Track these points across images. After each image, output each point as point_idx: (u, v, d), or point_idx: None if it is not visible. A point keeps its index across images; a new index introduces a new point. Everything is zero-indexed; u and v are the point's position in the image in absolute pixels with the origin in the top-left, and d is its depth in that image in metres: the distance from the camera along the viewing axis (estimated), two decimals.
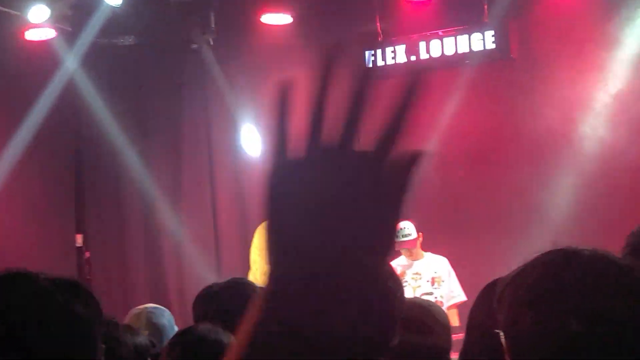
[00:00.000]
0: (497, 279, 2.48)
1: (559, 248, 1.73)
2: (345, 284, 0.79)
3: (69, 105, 9.46)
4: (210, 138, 9.86)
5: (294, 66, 9.42)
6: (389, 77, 8.10)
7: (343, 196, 0.79)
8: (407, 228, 7.63)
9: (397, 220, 0.83)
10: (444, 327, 2.98)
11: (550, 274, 1.66)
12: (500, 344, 1.71)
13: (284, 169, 0.81)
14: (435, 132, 8.60)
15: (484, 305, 2.42)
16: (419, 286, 7.63)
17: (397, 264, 7.70)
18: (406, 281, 7.60)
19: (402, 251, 7.70)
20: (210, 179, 9.82)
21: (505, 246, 7.62)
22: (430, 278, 7.65)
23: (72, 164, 9.91)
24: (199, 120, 9.90)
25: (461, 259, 7.76)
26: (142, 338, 3.40)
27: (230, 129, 9.66)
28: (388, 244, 0.83)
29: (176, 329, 4.11)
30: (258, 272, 5.71)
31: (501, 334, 1.71)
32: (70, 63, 9.19)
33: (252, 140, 9.30)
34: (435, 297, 7.52)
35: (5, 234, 8.79)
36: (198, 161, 9.89)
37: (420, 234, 7.68)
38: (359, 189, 0.80)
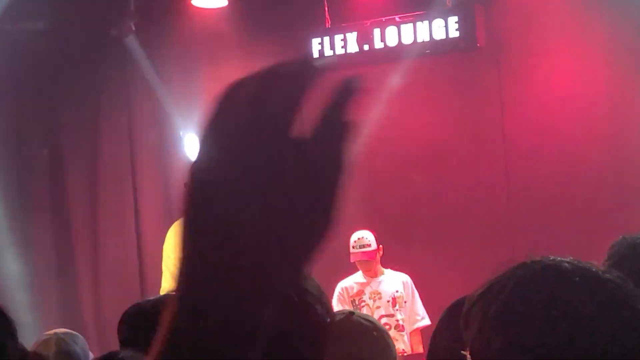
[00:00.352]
0: (463, 297, 2.48)
1: (534, 260, 1.69)
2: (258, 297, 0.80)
3: None
4: (132, 139, 9.81)
5: (229, 55, 9.43)
6: (339, 69, 8.19)
7: (268, 187, 0.80)
8: (367, 238, 7.57)
9: (328, 217, 0.83)
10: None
11: (525, 290, 1.64)
12: None
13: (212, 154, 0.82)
14: (390, 131, 8.65)
15: (449, 326, 2.42)
16: (378, 307, 7.57)
17: (354, 281, 7.65)
18: (364, 301, 7.57)
19: (360, 265, 7.62)
20: (132, 186, 9.78)
21: (472, 258, 7.68)
22: (391, 298, 7.59)
23: None
24: (120, 117, 9.84)
25: (422, 276, 7.76)
26: None
27: (157, 127, 9.62)
28: (312, 244, 0.82)
29: (92, 356, 4.07)
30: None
31: (468, 356, 1.71)
32: None
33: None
34: (397, 320, 7.51)
35: None
36: (119, 165, 9.84)
37: (381, 246, 7.64)
38: (287, 180, 0.80)
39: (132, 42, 9.44)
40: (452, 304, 2.61)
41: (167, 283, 5.82)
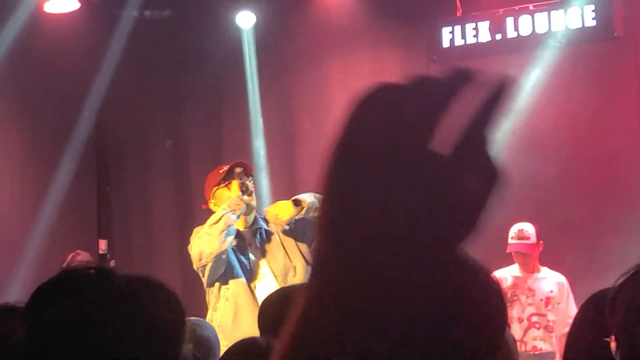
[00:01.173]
0: (603, 289, 2.52)
1: None
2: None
3: (92, 89, 9.62)
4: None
5: (358, 45, 9.52)
6: (470, 59, 8.25)
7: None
8: (527, 230, 7.55)
9: (472, 228, 0.83)
10: None
11: None
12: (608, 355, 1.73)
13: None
14: (523, 122, 8.62)
15: (591, 318, 2.45)
16: (530, 304, 7.51)
17: (510, 274, 7.62)
18: (517, 296, 7.54)
19: (516, 257, 7.60)
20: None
21: (609, 256, 7.58)
22: (544, 297, 7.53)
23: (93, 158, 10.04)
24: (244, 107, 9.97)
25: (576, 276, 7.64)
26: (186, 350, 3.48)
27: (283, 119, 9.75)
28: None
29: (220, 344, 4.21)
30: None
31: (612, 340, 1.74)
32: (96, 38, 9.34)
33: None
34: (548, 321, 7.45)
35: (19, 236, 8.96)
36: (243, 155, 9.98)
37: (541, 242, 7.61)
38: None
39: (259, 32, 9.59)
40: (592, 296, 2.63)
41: None
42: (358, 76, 9.51)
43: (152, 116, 10.07)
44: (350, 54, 9.57)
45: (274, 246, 6.24)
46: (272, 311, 3.57)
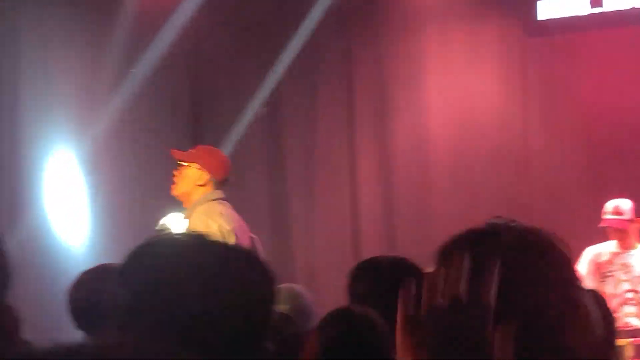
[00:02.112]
0: None
1: None
2: None
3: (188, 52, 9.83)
4: (350, 101, 10.03)
5: (455, 22, 9.57)
6: (566, 32, 8.22)
7: None
8: (621, 206, 7.57)
9: None
10: None
11: None
12: None
13: None
14: (616, 98, 8.62)
15: None
16: (626, 280, 7.50)
17: (606, 249, 7.64)
18: (611, 272, 7.56)
19: (610, 233, 7.62)
20: (349, 144, 9.97)
21: None
22: None
23: (189, 126, 10.21)
24: (340, 79, 10.05)
25: None
26: (284, 311, 3.63)
27: (377, 90, 9.84)
28: None
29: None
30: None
31: None
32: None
33: None
34: None
35: (120, 202, 9.20)
36: (336, 127, 10.07)
37: (638, 219, 7.59)
38: None
39: (354, 2, 9.66)
40: None
41: None
42: (453, 49, 9.57)
43: (247, 83, 10.19)
44: (446, 27, 9.62)
45: None
46: (363, 281, 3.67)
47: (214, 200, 6.02)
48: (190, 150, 6.21)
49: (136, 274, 1.78)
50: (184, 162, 6.09)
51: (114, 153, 9.36)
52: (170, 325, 1.72)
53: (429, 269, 3.75)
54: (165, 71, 9.53)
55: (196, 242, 1.83)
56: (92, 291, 3.65)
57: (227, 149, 10.01)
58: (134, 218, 8.49)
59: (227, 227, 5.79)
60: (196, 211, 5.94)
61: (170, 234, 1.75)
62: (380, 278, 3.60)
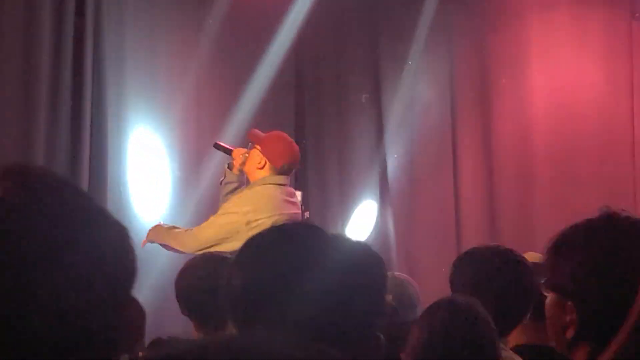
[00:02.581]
0: None
1: None
2: None
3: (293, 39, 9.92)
4: (452, 86, 10.02)
5: (556, 3, 9.49)
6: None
7: None
8: None
9: None
10: None
11: None
12: None
13: None
14: None
15: None
16: None
17: None
18: None
19: None
20: (451, 131, 9.97)
21: None
22: None
23: (291, 112, 10.31)
24: (441, 63, 10.05)
25: None
26: (390, 306, 3.68)
27: (478, 73, 9.83)
28: None
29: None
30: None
31: None
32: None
33: None
34: None
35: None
36: (437, 114, 10.07)
37: None
38: None
39: None
40: None
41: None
42: (557, 34, 9.48)
43: (350, 69, 10.23)
44: (550, 11, 9.53)
45: None
46: (465, 270, 3.71)
47: (269, 184, 6.18)
48: (263, 134, 6.51)
49: (254, 265, 1.83)
50: (252, 142, 6.40)
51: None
52: (291, 316, 1.77)
53: (534, 258, 3.76)
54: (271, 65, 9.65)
55: (310, 232, 1.87)
56: (200, 278, 3.74)
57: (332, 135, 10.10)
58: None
59: (253, 216, 6.08)
60: (244, 191, 6.30)
61: (288, 224, 1.78)
62: (482, 268, 3.64)
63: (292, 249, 1.84)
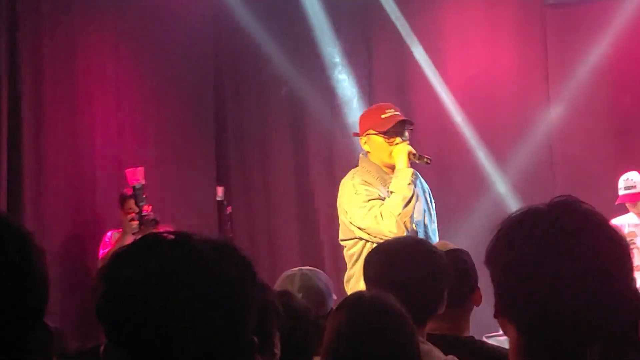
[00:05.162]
0: None
1: None
2: None
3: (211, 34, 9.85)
4: (371, 78, 10.01)
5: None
6: (584, 3, 8.11)
7: None
8: (632, 179, 7.60)
9: None
10: None
11: None
12: None
13: None
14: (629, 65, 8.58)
15: None
16: None
17: (627, 222, 7.68)
18: (635, 244, 7.59)
19: (628, 206, 7.65)
20: None
21: None
22: None
23: (212, 106, 10.24)
24: (359, 56, 10.02)
25: None
26: (298, 302, 3.65)
27: (397, 65, 9.81)
28: None
29: (334, 296, 4.37)
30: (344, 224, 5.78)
31: None
32: None
33: None
34: None
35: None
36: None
37: None
38: None
39: None
40: None
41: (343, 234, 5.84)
42: (471, 21, 9.50)
43: (270, 62, 10.18)
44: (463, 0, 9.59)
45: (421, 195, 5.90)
46: (375, 264, 3.69)
47: None
48: None
49: (118, 277, 1.77)
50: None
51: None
52: (150, 326, 1.73)
53: (445, 247, 3.73)
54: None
55: (177, 240, 1.82)
56: None
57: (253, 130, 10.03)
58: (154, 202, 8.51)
59: None
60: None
61: (156, 234, 1.73)
62: (394, 260, 3.62)
63: (153, 261, 1.78)
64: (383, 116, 5.81)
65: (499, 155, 9.25)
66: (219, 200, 9.82)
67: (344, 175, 9.79)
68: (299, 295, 3.91)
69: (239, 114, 10.24)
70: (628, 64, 8.66)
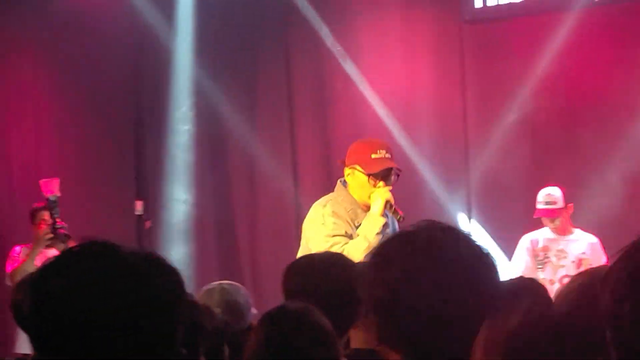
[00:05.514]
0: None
1: None
2: None
3: (131, 47, 9.79)
4: (290, 84, 9.98)
5: (387, 6, 9.58)
6: (502, 19, 8.26)
7: None
8: (553, 194, 7.65)
9: None
10: None
11: None
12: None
13: None
14: (556, 83, 8.69)
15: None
16: (562, 266, 7.62)
17: (542, 236, 7.74)
18: (548, 258, 7.64)
19: (544, 222, 7.73)
20: (290, 133, 9.96)
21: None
22: (576, 259, 7.63)
23: (131, 119, 10.18)
24: (278, 60, 10.01)
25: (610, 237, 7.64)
26: (218, 318, 3.64)
27: (317, 71, 9.81)
28: None
29: (253, 310, 4.37)
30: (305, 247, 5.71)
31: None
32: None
33: None
34: None
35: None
36: (277, 112, 10.02)
37: (570, 205, 7.70)
38: None
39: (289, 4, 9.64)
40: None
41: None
42: (389, 37, 9.55)
43: (187, 76, 10.13)
44: (381, 14, 9.60)
45: None
46: (296, 276, 3.69)
47: None
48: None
49: (46, 287, 1.78)
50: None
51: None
52: (78, 338, 1.73)
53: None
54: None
55: (106, 251, 1.82)
56: None
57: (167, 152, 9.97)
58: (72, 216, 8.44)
59: None
60: None
61: (84, 245, 1.72)
62: (311, 273, 3.63)
63: (77, 271, 1.79)
64: (373, 156, 5.66)
65: (415, 169, 9.29)
66: (137, 215, 9.76)
67: (261, 188, 9.89)
68: (218, 310, 3.91)
69: (158, 128, 10.17)
70: (544, 79, 8.78)
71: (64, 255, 1.85)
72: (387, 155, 5.68)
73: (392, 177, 5.67)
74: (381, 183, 5.60)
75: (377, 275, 2.06)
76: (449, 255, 2.02)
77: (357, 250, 5.36)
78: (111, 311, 1.74)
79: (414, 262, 2.01)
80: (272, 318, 3.13)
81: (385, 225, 5.55)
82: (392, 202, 5.58)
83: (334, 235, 5.50)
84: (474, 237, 2.09)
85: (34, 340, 1.78)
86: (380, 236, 5.45)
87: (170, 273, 1.84)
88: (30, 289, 1.79)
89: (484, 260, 2.05)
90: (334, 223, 5.54)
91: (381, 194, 5.56)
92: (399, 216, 5.58)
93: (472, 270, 2.02)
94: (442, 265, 2.00)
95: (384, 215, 5.55)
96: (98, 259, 1.80)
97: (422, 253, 2.01)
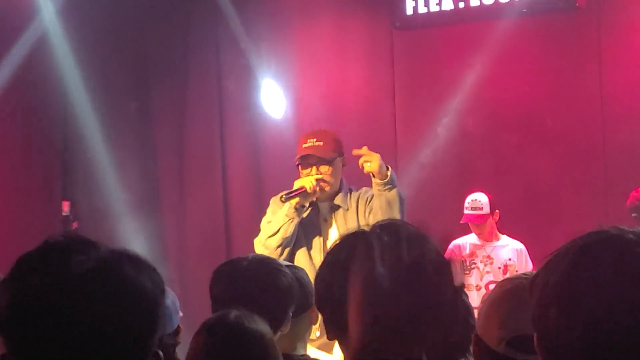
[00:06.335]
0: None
1: (600, 230, 1.76)
2: None
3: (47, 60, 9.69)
4: (221, 95, 9.98)
5: (321, 11, 9.58)
6: (433, 27, 8.30)
7: None
8: (480, 200, 7.69)
9: None
10: None
11: (584, 259, 1.70)
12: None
13: None
14: (485, 91, 8.75)
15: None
16: (488, 272, 7.68)
17: (468, 242, 7.77)
18: (475, 264, 7.69)
19: (471, 227, 7.76)
20: (220, 140, 9.95)
21: (565, 226, 7.73)
22: (502, 265, 7.71)
23: (58, 119, 10.07)
24: (209, 72, 10.02)
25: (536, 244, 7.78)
26: None
27: (246, 83, 9.79)
28: None
29: (180, 313, 4.33)
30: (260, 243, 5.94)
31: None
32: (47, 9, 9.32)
33: (272, 98, 9.45)
34: None
35: None
36: (207, 120, 10.02)
37: (497, 211, 7.76)
38: None
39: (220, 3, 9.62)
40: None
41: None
42: (320, 43, 9.57)
43: (118, 77, 10.08)
44: (313, 21, 9.62)
45: (349, 220, 6.06)
46: (221, 283, 3.67)
47: None
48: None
49: (25, 283, 1.74)
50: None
51: None
52: (56, 335, 1.70)
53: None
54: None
55: (83, 247, 1.79)
56: None
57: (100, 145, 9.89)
58: None
59: None
60: (360, 196, 6.18)
61: (62, 240, 1.69)
62: (238, 278, 3.61)
63: (57, 267, 1.75)
64: (304, 146, 6.12)
65: (344, 175, 9.30)
66: (64, 216, 9.66)
67: (193, 189, 9.86)
68: None
69: (86, 128, 10.07)
70: (473, 86, 8.84)
71: (40, 250, 1.81)
72: (318, 144, 6.07)
73: (322, 167, 6.10)
74: (305, 171, 6.08)
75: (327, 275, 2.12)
76: (412, 251, 2.05)
77: (264, 233, 5.94)
78: (90, 309, 1.71)
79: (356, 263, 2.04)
80: (211, 326, 3.12)
81: (297, 210, 5.89)
82: (303, 190, 5.95)
83: (267, 223, 5.94)
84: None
85: (8, 339, 1.74)
86: (287, 219, 5.86)
87: (150, 271, 1.82)
88: (7, 286, 1.75)
89: (442, 260, 2.14)
90: (273, 211, 6.03)
91: (298, 182, 6.03)
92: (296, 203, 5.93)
93: (433, 267, 2.10)
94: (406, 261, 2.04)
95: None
96: (76, 256, 1.77)
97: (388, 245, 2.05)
